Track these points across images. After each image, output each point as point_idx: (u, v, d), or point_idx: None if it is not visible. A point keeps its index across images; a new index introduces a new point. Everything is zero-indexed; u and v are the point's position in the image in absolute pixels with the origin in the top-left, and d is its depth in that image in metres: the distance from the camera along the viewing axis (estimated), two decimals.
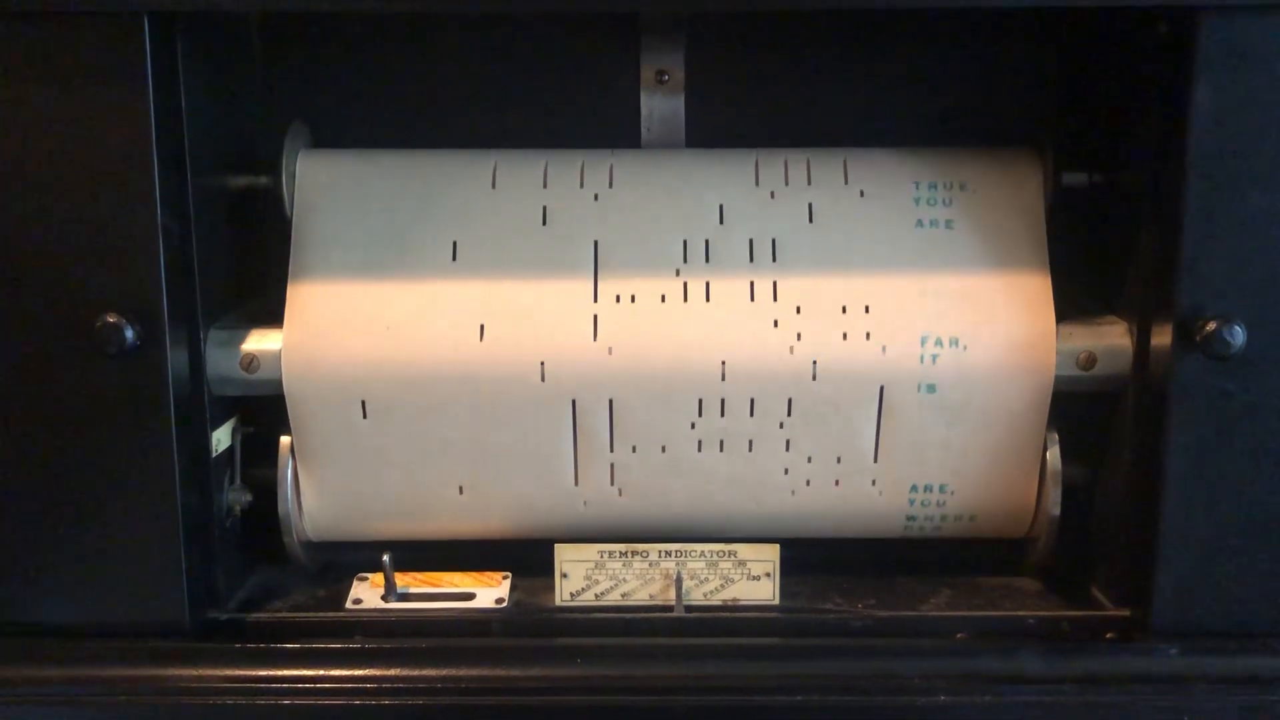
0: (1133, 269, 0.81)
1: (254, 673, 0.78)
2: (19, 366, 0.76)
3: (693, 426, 0.83)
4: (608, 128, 0.94)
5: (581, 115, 0.95)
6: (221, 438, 0.84)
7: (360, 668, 0.78)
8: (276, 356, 0.82)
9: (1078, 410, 0.85)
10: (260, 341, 0.83)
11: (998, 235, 0.84)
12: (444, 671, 0.78)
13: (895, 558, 0.90)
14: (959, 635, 0.82)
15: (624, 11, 0.91)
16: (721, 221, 0.84)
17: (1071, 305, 0.84)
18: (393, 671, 0.78)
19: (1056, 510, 0.84)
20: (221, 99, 0.85)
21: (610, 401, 0.82)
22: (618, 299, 0.82)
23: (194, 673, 0.78)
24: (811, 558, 0.88)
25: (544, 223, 0.84)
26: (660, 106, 0.94)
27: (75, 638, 0.79)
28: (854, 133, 0.93)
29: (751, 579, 0.83)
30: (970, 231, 0.84)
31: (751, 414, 0.82)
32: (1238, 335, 0.73)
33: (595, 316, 0.82)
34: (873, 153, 0.87)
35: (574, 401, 0.82)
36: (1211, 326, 0.73)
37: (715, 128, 0.94)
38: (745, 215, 0.84)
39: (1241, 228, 0.74)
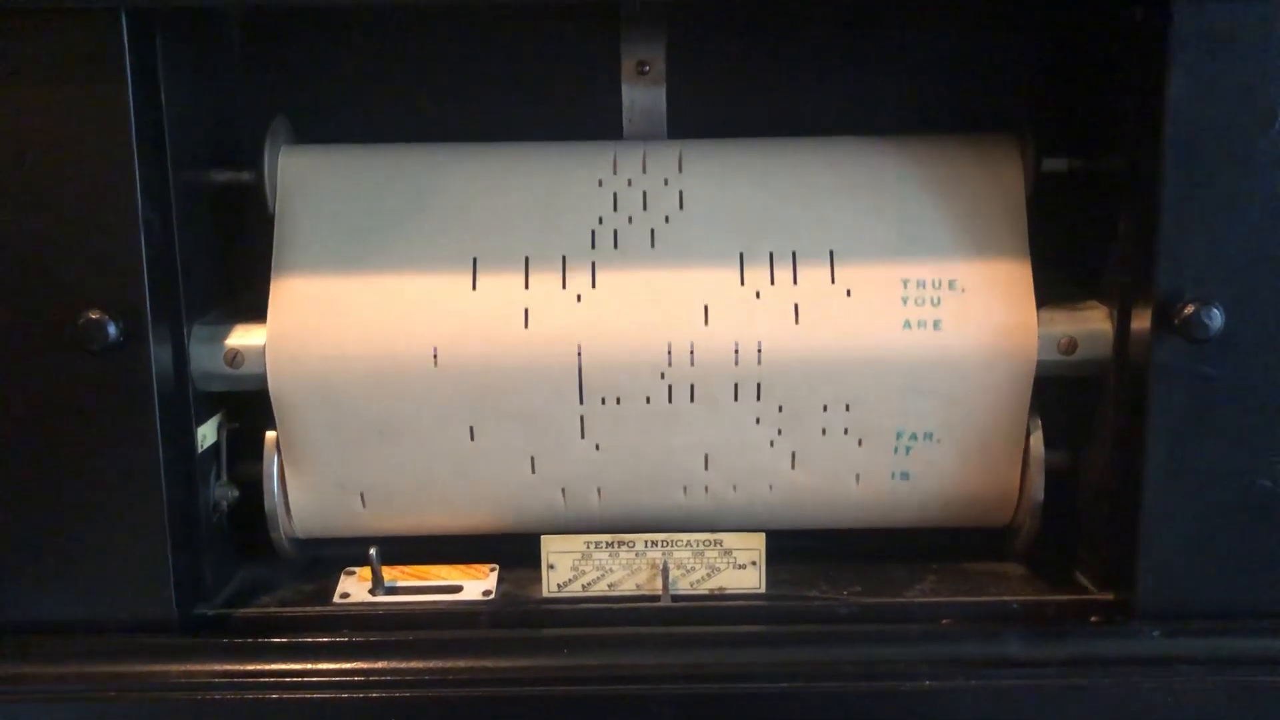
0: (1112, 253, 0.81)
1: (242, 667, 0.78)
2: None
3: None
4: (589, 119, 0.93)
5: (562, 107, 0.95)
6: (207, 434, 0.84)
7: (348, 661, 0.78)
8: (261, 352, 0.82)
9: (1059, 396, 0.85)
10: (244, 337, 0.83)
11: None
12: (432, 664, 0.78)
13: (880, 545, 0.90)
14: (944, 621, 0.82)
15: (604, 2, 0.90)
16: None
17: (1052, 290, 0.84)
18: (381, 665, 0.78)
19: (1040, 495, 0.85)
20: (202, 95, 0.85)
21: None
22: (603, 401, 0.82)
23: (181, 668, 0.78)
24: (797, 546, 0.88)
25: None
26: (641, 97, 0.94)
27: (62, 634, 0.78)
28: (834, 121, 0.93)
29: (738, 567, 0.84)
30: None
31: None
32: (1215, 318, 0.74)
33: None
34: (850, 140, 0.88)
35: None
36: (1190, 309, 0.74)
37: (697, 118, 0.93)
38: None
39: (1219, 211, 0.74)
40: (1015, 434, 0.84)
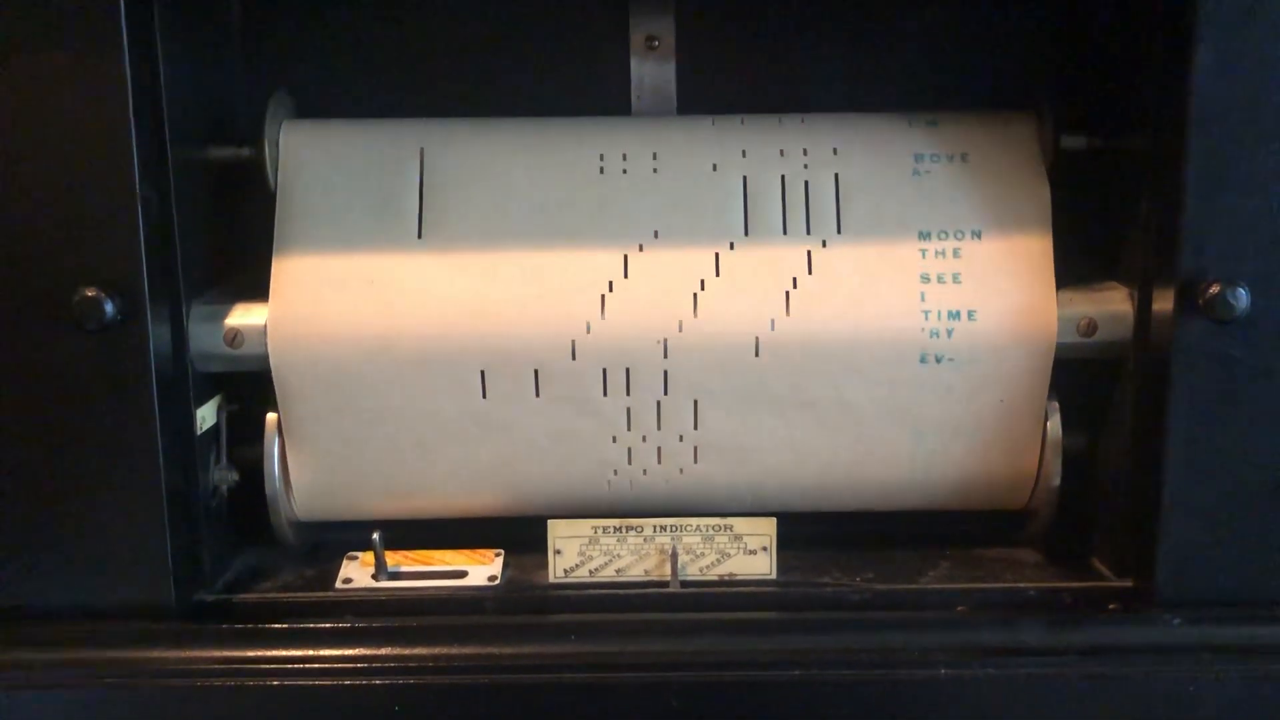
0: (1134, 233, 0.80)
1: (242, 653, 0.77)
2: None
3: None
4: (597, 94, 0.92)
5: (571, 82, 0.94)
6: (206, 415, 0.83)
7: (351, 647, 0.77)
8: (261, 331, 0.81)
9: (1078, 378, 0.84)
10: (245, 316, 0.82)
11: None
12: (436, 650, 0.77)
13: (894, 530, 0.89)
14: (959, 608, 0.81)
15: None
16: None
17: (1071, 271, 0.83)
18: (384, 651, 0.77)
19: (1057, 480, 0.83)
20: (201, 68, 0.83)
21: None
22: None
23: (181, 654, 0.77)
24: (809, 531, 0.87)
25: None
26: (650, 73, 0.93)
27: (59, 620, 0.77)
28: (848, 98, 0.91)
29: (748, 553, 0.82)
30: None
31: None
32: (1241, 298, 0.72)
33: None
34: (867, 117, 0.86)
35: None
36: (1215, 289, 0.72)
37: (706, 94, 0.92)
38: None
39: (1244, 190, 0.73)
40: (1033, 417, 0.83)
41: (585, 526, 0.82)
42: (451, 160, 0.84)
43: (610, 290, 0.81)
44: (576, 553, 0.82)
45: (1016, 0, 0.93)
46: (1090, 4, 0.88)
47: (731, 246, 0.82)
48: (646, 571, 0.82)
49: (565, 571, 0.82)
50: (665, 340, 0.80)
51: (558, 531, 0.82)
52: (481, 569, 0.84)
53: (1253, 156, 0.72)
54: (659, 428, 0.83)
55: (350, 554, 0.86)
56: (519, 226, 0.82)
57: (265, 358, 0.81)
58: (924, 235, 0.82)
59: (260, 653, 0.77)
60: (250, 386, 0.84)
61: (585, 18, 0.93)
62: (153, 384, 0.75)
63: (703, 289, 0.81)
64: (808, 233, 0.82)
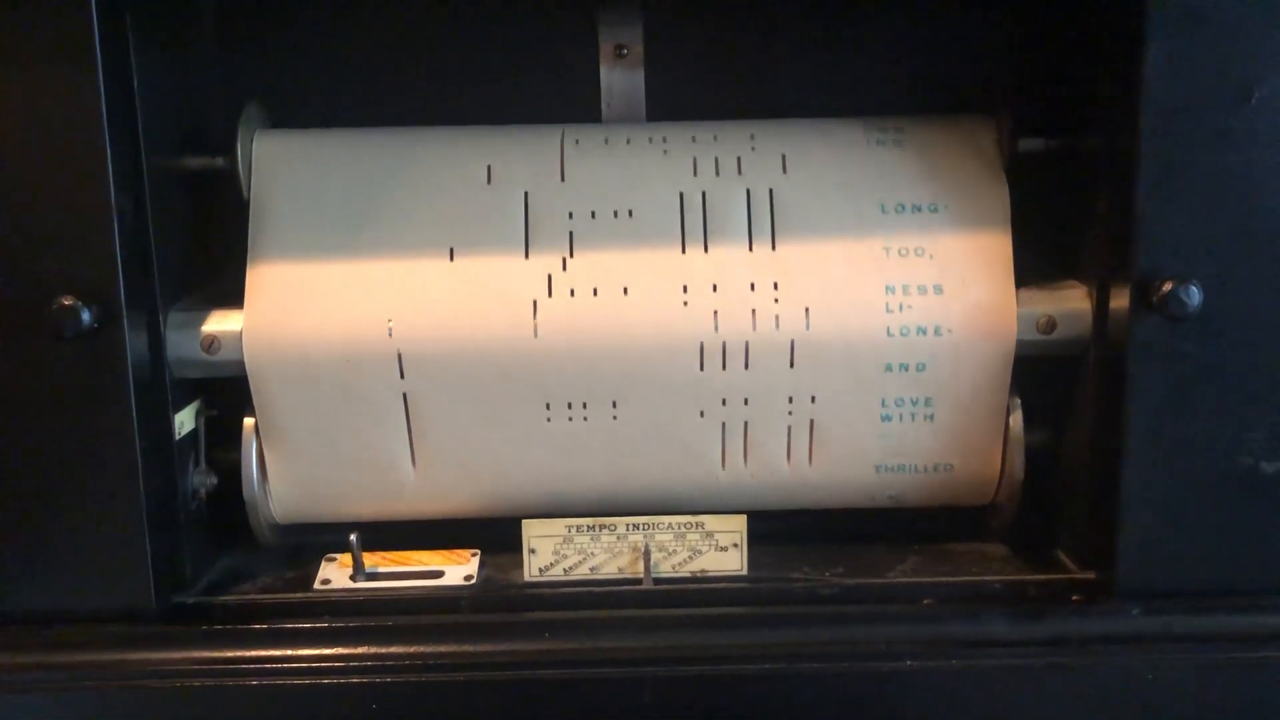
0: (1091, 232, 0.81)
1: (222, 654, 0.78)
2: None
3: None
4: (567, 103, 0.93)
5: (541, 91, 0.94)
6: (184, 421, 0.83)
7: (329, 647, 0.78)
8: (237, 337, 0.82)
9: (1039, 375, 0.85)
10: (221, 323, 0.83)
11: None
12: (414, 649, 0.78)
13: (862, 526, 0.90)
14: (926, 601, 0.83)
15: None
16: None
17: (1030, 270, 0.84)
18: (362, 650, 0.78)
19: (1020, 475, 0.85)
20: (175, 79, 0.84)
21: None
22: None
23: (161, 656, 0.77)
24: (779, 528, 0.89)
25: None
26: (620, 81, 0.94)
27: (39, 624, 0.78)
28: (812, 103, 0.93)
29: (719, 550, 0.83)
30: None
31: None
32: (1194, 295, 0.74)
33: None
34: (829, 122, 0.87)
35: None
36: (1168, 287, 0.74)
37: (675, 101, 0.93)
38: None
39: (1196, 188, 0.74)
40: (995, 413, 0.84)
41: (559, 526, 0.83)
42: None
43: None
44: (551, 552, 0.83)
45: (976, 6, 0.94)
46: (1045, 8, 0.89)
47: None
48: (620, 569, 0.83)
49: (540, 570, 0.83)
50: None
51: (532, 531, 0.83)
52: (458, 569, 0.85)
53: (1204, 156, 0.74)
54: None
55: (329, 555, 0.86)
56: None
57: (242, 363, 0.82)
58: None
59: (240, 653, 0.78)
60: (228, 391, 0.85)
61: (555, 27, 0.94)
62: (130, 390, 0.76)
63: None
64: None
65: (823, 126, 0.87)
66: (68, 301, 0.73)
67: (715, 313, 0.81)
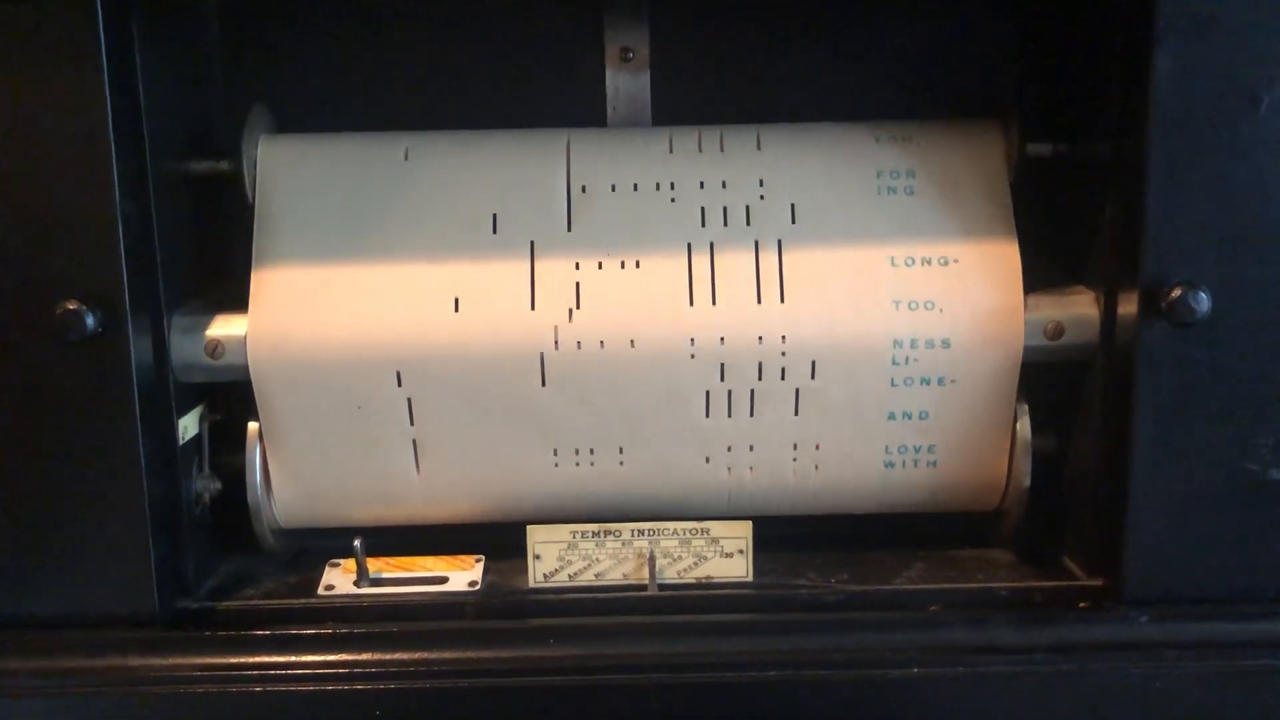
0: (1098, 238, 0.81)
1: (226, 660, 0.78)
2: None
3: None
4: (573, 106, 0.93)
5: (546, 94, 0.94)
6: (188, 425, 0.83)
7: (333, 653, 0.78)
8: (242, 342, 0.82)
9: (1046, 381, 0.85)
10: (225, 327, 0.82)
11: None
12: (418, 655, 0.78)
13: (868, 532, 0.90)
14: (932, 608, 0.82)
15: None
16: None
17: (1038, 276, 0.84)
18: (365, 656, 0.78)
19: (1027, 481, 0.85)
20: (180, 83, 0.84)
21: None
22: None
23: (164, 662, 0.77)
24: (784, 534, 0.88)
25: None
26: (625, 84, 0.94)
27: (43, 629, 0.78)
28: (818, 107, 0.92)
29: (725, 556, 0.83)
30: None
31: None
32: (1202, 301, 0.74)
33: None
34: (835, 126, 0.87)
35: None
36: (1176, 293, 0.74)
37: (680, 104, 0.93)
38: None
39: (1204, 194, 0.74)
40: (1002, 419, 0.84)
41: (564, 531, 0.83)
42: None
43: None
44: (556, 557, 0.83)
45: (983, 10, 0.94)
46: (1054, 13, 0.89)
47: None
48: (625, 575, 0.83)
49: (545, 576, 0.83)
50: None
51: (537, 537, 0.83)
52: (462, 574, 0.85)
53: (1212, 162, 0.74)
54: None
55: (332, 561, 0.86)
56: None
57: (246, 368, 0.82)
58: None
59: (243, 659, 0.77)
60: (232, 396, 0.85)
61: (560, 30, 0.94)
62: (134, 395, 0.76)
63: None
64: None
65: (825, 131, 0.87)
66: (72, 306, 0.73)
67: (722, 365, 0.82)
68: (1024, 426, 0.84)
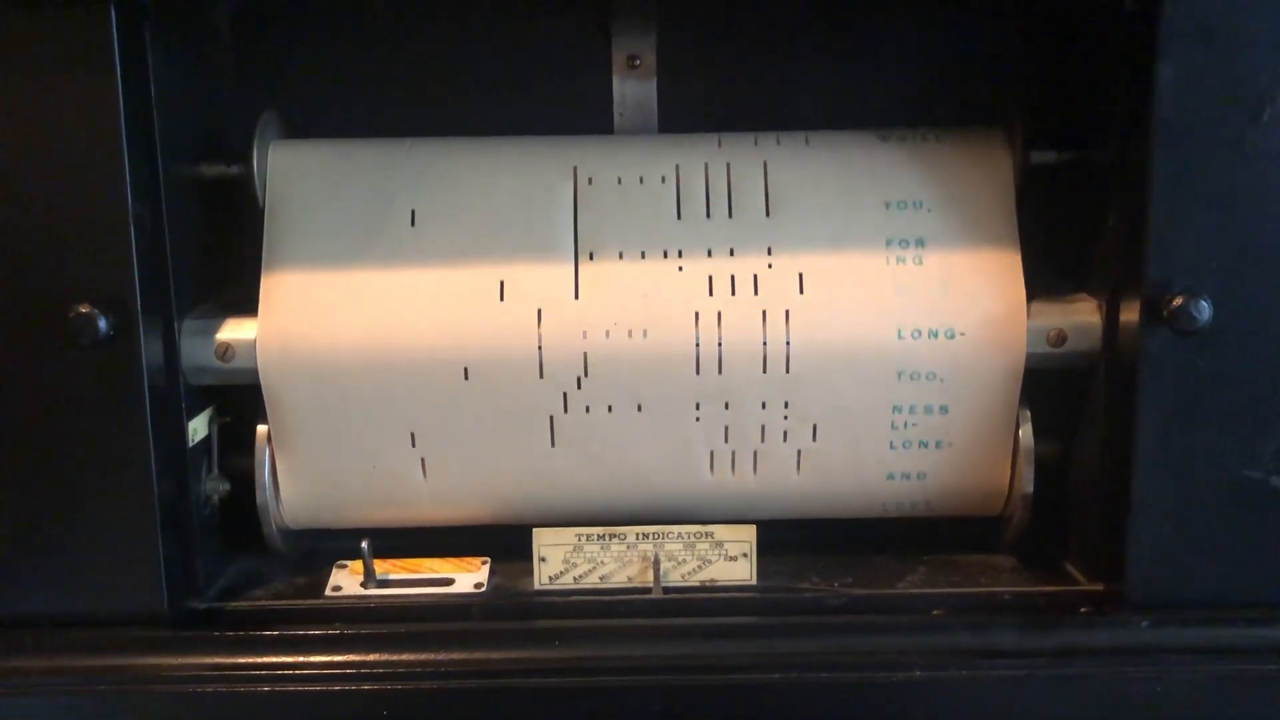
0: (1101, 246, 0.81)
1: (234, 660, 0.78)
2: None
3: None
4: (580, 113, 0.94)
5: (554, 101, 0.95)
6: (198, 427, 0.84)
7: (340, 654, 0.78)
8: (252, 345, 0.82)
9: (1049, 387, 0.85)
10: (235, 330, 0.83)
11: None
12: (424, 656, 0.78)
13: (872, 537, 0.91)
14: (935, 612, 0.83)
15: None
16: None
17: (1041, 283, 0.85)
18: (372, 657, 0.78)
19: (1030, 487, 0.85)
20: (192, 88, 0.85)
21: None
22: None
23: (174, 661, 0.78)
24: (788, 538, 0.89)
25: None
26: (632, 91, 0.94)
27: (53, 629, 0.79)
28: (824, 115, 0.93)
29: (729, 559, 0.84)
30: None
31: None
32: (1204, 310, 0.74)
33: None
34: (840, 134, 0.88)
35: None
36: (1178, 301, 0.74)
37: (687, 112, 0.94)
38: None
39: (1207, 202, 0.74)
40: (1005, 425, 0.84)
41: (569, 534, 0.84)
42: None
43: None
44: (561, 560, 0.84)
45: (988, 18, 0.94)
46: (1058, 21, 0.90)
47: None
48: (629, 578, 0.84)
49: (550, 578, 0.84)
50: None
51: (543, 539, 0.83)
52: (468, 576, 0.85)
53: (1215, 171, 0.74)
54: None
55: (340, 562, 0.87)
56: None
57: (256, 371, 0.82)
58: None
59: (252, 659, 0.78)
60: (242, 399, 0.85)
61: (568, 38, 0.94)
62: (145, 398, 0.76)
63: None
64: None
65: (830, 139, 0.87)
66: (84, 309, 0.74)
67: (726, 428, 0.83)
68: (1027, 433, 0.84)
